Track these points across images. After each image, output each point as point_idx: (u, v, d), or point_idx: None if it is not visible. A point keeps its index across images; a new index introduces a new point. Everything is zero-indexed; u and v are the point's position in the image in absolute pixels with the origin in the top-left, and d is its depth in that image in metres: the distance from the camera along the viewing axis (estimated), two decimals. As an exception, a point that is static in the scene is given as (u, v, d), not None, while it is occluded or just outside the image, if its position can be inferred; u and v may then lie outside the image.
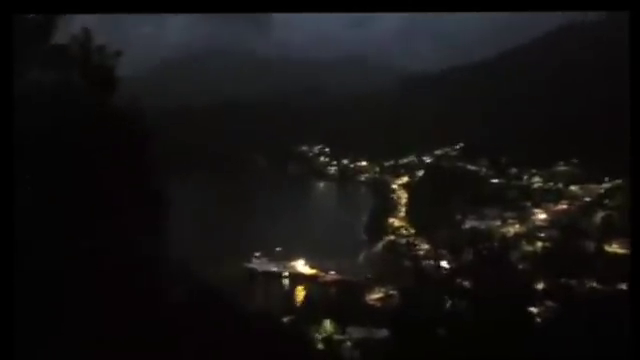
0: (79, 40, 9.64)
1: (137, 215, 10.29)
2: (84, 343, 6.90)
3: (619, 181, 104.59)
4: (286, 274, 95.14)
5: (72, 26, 9.46)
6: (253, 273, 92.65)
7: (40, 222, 7.19)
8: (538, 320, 68.81)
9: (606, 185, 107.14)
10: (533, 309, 69.91)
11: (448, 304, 69.27)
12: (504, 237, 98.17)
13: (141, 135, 9.81)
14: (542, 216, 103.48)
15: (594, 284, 77.06)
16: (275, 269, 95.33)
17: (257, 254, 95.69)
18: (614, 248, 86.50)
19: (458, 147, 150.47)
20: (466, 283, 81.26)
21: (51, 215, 7.34)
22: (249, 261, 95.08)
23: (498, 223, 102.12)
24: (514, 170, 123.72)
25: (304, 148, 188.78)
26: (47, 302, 6.77)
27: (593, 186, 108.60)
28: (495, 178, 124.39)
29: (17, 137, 6.97)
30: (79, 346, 6.87)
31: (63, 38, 9.42)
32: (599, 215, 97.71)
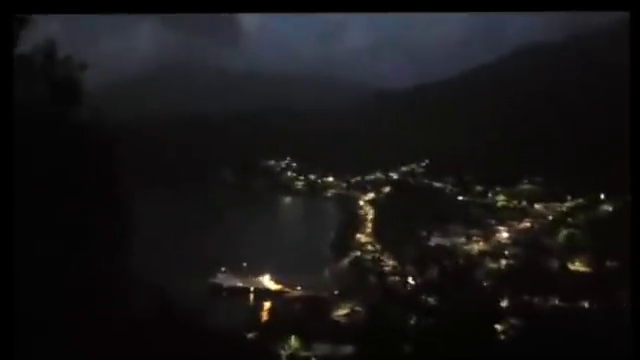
0: (43, 50, 9.50)
1: (99, 228, 10.10)
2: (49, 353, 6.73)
3: (581, 200, 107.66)
4: (252, 289, 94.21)
5: (36, 36, 9.32)
6: (218, 288, 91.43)
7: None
8: (502, 337, 69.89)
9: (569, 203, 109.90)
10: (497, 326, 70.92)
11: (413, 320, 69.61)
12: (469, 254, 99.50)
13: (103, 147, 9.67)
14: (506, 234, 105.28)
15: (557, 301, 78.55)
16: (240, 284, 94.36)
17: (223, 269, 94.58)
18: (577, 266, 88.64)
19: (424, 164, 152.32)
20: (431, 300, 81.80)
21: (10, 222, 7.16)
22: (214, 276, 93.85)
23: (463, 240, 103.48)
24: (479, 188, 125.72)
25: (271, 163, 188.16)
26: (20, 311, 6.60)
27: (556, 204, 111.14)
28: (460, 195, 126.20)
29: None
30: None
31: (27, 48, 9.29)
32: (562, 233, 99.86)
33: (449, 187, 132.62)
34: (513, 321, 72.14)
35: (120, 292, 9.42)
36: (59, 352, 6.98)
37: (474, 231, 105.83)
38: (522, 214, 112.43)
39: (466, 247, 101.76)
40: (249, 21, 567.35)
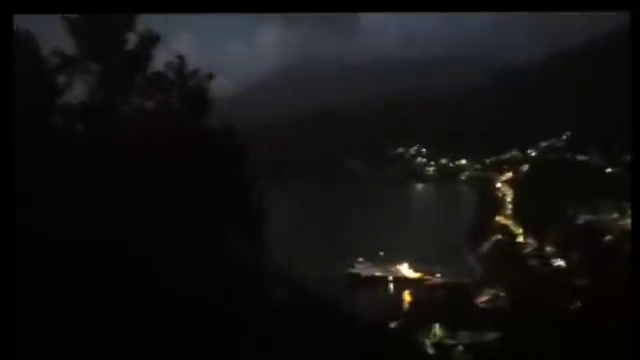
0: (174, 66, 10.40)
1: (238, 226, 10.81)
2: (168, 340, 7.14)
3: None
4: (390, 278, 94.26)
5: (166, 53, 10.24)
6: (357, 278, 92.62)
7: (140, 229, 7.73)
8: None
9: None
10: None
11: (561, 304, 65.35)
12: (623, 230, 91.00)
13: (234, 150, 10.34)
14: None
15: None
16: (379, 274, 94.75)
17: (360, 259, 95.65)
18: None
19: (565, 137, 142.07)
20: (580, 281, 76.14)
21: (147, 224, 7.90)
22: (352, 267, 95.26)
23: (616, 215, 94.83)
24: (629, 157, 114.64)
25: (400, 150, 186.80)
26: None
27: None
28: (608, 167, 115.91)
29: (126, 161, 7.62)
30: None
31: (158, 65, 10.24)
32: None
33: (595, 159, 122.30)
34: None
35: (259, 283, 10.00)
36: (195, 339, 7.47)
37: (628, 204, 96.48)
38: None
39: (620, 223, 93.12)
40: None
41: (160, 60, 10.21)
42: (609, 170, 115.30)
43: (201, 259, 8.39)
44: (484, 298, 77.77)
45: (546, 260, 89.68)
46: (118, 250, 7.19)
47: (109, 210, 7.21)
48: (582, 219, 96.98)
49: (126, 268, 7.13)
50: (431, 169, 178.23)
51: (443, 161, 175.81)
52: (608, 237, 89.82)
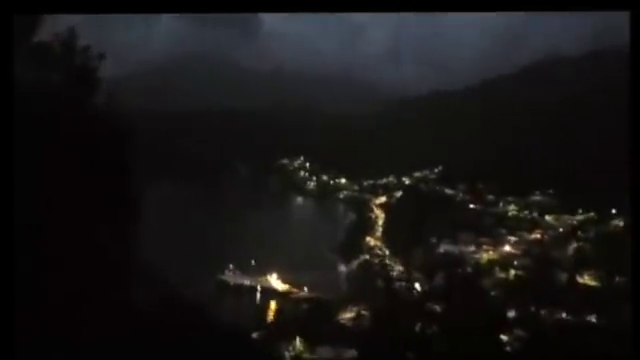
0: (62, 39, 9.63)
1: (109, 217, 10.19)
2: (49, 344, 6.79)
3: (592, 214, 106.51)
4: (258, 288, 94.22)
5: (57, 25, 9.45)
6: (225, 285, 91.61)
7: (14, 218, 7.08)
8: (507, 349, 69.38)
9: (580, 217, 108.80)
10: (503, 337, 70.41)
11: (418, 327, 69.35)
12: (478, 263, 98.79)
13: (118, 136, 9.78)
14: (516, 244, 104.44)
15: (564, 315, 77.75)
16: (248, 283, 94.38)
17: (230, 266, 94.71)
18: (586, 280, 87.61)
19: (437, 170, 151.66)
20: (437, 307, 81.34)
21: (22, 211, 7.25)
22: (221, 273, 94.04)
23: (472, 248, 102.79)
24: (491, 197, 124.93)
25: (285, 161, 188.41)
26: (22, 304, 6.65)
27: (567, 217, 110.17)
28: (472, 203, 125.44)
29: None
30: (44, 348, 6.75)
31: (46, 36, 9.42)
32: (572, 246, 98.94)
33: (461, 195, 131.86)
34: (519, 333, 71.55)
35: (125, 283, 9.49)
36: (59, 348, 7.05)
37: (484, 239, 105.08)
38: (533, 225, 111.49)
39: (475, 256, 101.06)
40: (270, 18, 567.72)
41: (49, 32, 9.40)
42: (471, 206, 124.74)
43: (66, 249, 7.80)
44: (347, 315, 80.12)
45: (409, 283, 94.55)
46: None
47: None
48: (443, 248, 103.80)
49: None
50: (312, 184, 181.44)
51: (324, 178, 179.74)
52: (465, 268, 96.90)
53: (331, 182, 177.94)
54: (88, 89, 9.84)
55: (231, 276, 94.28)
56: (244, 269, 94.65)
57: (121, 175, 10.92)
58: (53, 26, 9.66)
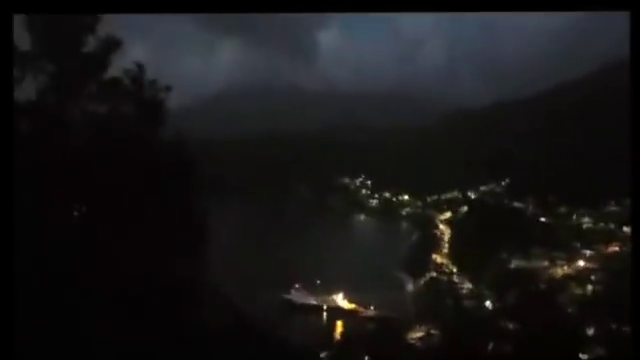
0: (131, 74, 10.25)
1: (179, 240, 10.63)
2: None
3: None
4: (325, 307, 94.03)
5: (124, 60, 10.07)
6: (291, 305, 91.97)
7: (82, 249, 7.53)
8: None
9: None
10: (582, 356, 66.86)
11: (490, 347, 66.99)
12: (551, 278, 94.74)
13: (185, 163, 10.23)
14: (592, 258, 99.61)
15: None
16: (314, 302, 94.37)
17: (297, 286, 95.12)
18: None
19: (504, 184, 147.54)
20: (510, 325, 78.35)
21: (93, 241, 7.69)
22: (287, 292, 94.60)
23: (545, 264, 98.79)
24: (563, 209, 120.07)
25: (346, 180, 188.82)
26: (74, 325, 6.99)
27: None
28: (543, 217, 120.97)
29: (71, 164, 7.40)
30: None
31: (116, 71, 10.05)
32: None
33: (530, 207, 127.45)
34: (599, 351, 67.71)
35: (196, 306, 9.82)
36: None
37: (557, 254, 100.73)
38: (609, 237, 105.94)
39: (549, 271, 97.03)
40: (326, 39, 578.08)
41: (118, 67, 10.04)
42: (542, 219, 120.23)
43: (139, 273, 8.21)
44: (415, 335, 78.59)
45: (479, 302, 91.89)
46: (52, 257, 6.95)
47: (49, 215, 6.97)
48: (514, 264, 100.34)
49: (58, 276, 6.89)
50: (374, 202, 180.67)
51: (386, 195, 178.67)
52: (538, 284, 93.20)
53: (393, 199, 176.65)
54: (157, 120, 10.40)
55: (297, 296, 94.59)
56: (310, 289, 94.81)
57: (189, 200, 11.37)
58: (121, 60, 10.31)
